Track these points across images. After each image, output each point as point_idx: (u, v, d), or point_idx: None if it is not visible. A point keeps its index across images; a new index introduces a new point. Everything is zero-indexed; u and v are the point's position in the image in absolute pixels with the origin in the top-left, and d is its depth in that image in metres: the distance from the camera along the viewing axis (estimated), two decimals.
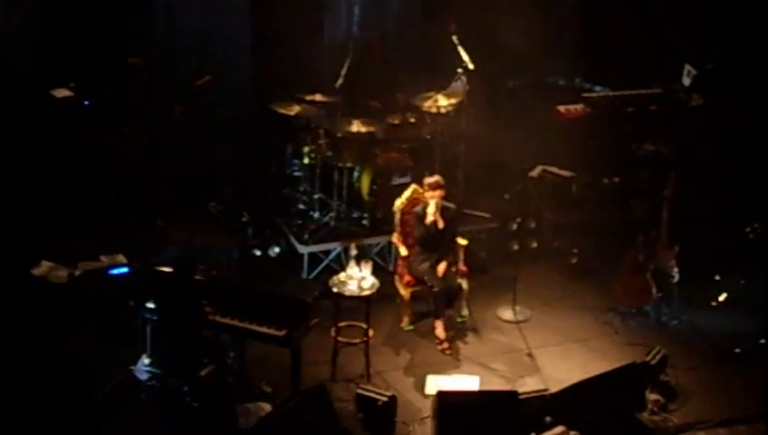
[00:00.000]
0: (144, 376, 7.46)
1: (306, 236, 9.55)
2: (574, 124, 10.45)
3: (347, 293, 8.18)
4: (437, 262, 8.66)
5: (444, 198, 8.65)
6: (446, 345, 8.57)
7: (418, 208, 8.76)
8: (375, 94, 10.33)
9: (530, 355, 8.54)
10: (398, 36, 11.25)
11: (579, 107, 10.56)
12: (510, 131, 10.42)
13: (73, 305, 8.29)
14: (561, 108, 10.57)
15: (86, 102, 9.59)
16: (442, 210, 8.64)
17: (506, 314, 9.12)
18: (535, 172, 10.40)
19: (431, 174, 8.95)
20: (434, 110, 9.71)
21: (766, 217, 9.40)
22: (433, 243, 8.70)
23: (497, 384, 8.09)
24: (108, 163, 9.61)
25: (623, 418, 7.55)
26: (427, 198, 8.65)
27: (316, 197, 9.90)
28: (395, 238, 9.00)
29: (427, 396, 7.86)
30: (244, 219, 9.87)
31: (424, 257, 8.73)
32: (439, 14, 10.75)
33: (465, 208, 9.71)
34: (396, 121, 9.95)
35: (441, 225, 8.63)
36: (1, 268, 8.67)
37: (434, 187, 8.59)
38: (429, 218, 8.60)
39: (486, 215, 9.98)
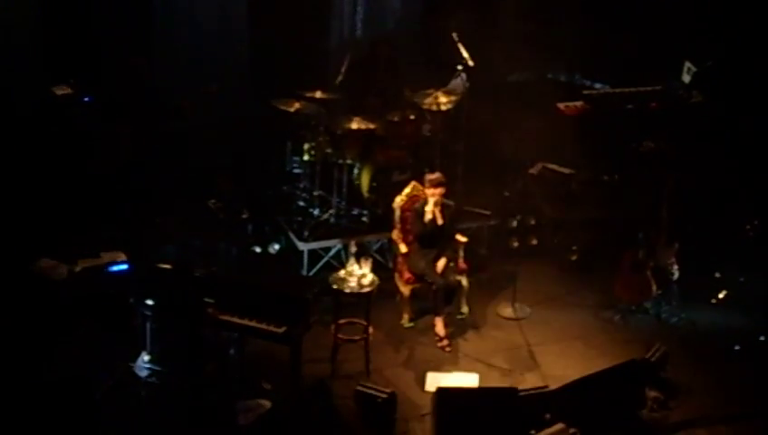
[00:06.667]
0: (144, 373, 7.48)
1: (306, 234, 9.55)
2: (574, 121, 10.43)
3: (347, 290, 8.17)
4: (436, 258, 8.66)
5: (444, 195, 8.65)
6: (445, 342, 8.57)
7: (417, 205, 8.77)
8: (379, 91, 10.33)
9: (530, 352, 8.54)
10: (398, 34, 11.25)
11: (579, 104, 10.53)
12: (510, 128, 10.41)
13: (73, 302, 8.28)
14: (561, 105, 10.53)
15: (86, 99, 9.58)
16: (442, 207, 8.64)
17: (506, 311, 9.12)
18: (535, 169, 10.40)
19: (431, 171, 8.95)
20: (434, 107, 9.70)
21: (766, 214, 9.38)
22: (431, 239, 8.70)
23: (497, 381, 8.09)
24: (107, 160, 9.61)
25: (623, 415, 7.55)
26: (427, 195, 8.65)
27: (316, 194, 9.90)
28: (395, 235, 9.00)
29: (426, 393, 7.86)
30: (243, 216, 9.85)
31: (422, 253, 8.73)
32: (440, 11, 10.73)
33: (465, 205, 9.71)
34: (396, 119, 9.94)
35: (440, 221, 8.63)
36: (0, 265, 8.66)
37: (435, 184, 8.58)
38: (428, 216, 8.60)
39: (486, 212, 9.96)
